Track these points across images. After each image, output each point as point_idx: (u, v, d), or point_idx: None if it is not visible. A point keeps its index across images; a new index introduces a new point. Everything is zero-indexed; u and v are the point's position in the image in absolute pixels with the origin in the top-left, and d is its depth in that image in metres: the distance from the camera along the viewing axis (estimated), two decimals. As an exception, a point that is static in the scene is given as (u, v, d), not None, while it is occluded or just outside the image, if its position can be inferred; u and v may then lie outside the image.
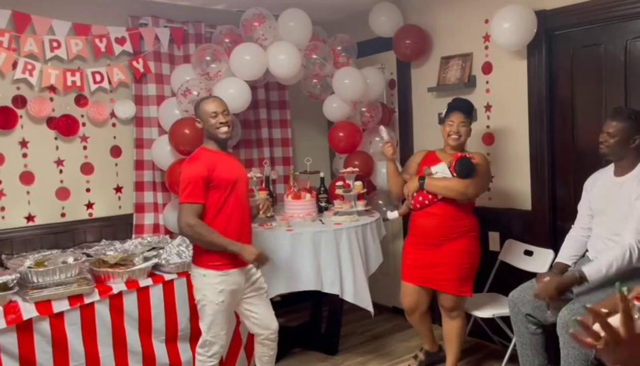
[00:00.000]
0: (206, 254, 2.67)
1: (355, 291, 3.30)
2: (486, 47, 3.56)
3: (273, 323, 2.89)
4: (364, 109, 3.95)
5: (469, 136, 3.10)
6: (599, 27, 3.08)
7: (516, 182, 3.49)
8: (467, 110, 3.05)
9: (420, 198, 3.04)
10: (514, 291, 2.88)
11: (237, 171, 2.77)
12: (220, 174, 2.65)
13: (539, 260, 3.22)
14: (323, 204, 3.79)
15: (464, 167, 2.90)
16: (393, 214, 3.31)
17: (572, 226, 2.91)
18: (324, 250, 3.25)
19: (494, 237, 3.61)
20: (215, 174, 2.63)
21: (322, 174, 3.88)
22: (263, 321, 2.87)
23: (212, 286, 2.67)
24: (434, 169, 3.03)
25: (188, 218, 2.58)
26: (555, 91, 3.31)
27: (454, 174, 2.95)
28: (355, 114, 3.97)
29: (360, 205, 3.63)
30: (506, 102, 3.50)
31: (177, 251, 3.19)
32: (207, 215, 2.65)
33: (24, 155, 3.39)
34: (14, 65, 3.26)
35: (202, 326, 2.73)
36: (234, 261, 2.69)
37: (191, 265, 2.78)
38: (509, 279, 3.46)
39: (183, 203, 2.61)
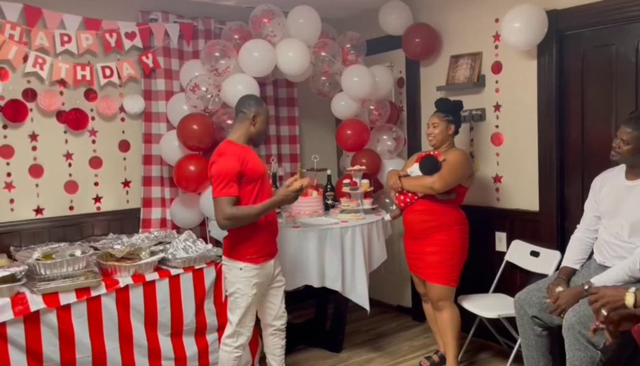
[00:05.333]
0: (243, 247, 2.69)
1: (354, 288, 3.32)
2: (496, 47, 3.55)
3: (285, 314, 2.97)
4: (372, 107, 3.94)
5: (450, 133, 3.19)
6: (610, 27, 3.05)
7: (524, 182, 3.47)
8: (443, 109, 3.21)
9: (402, 197, 3.22)
10: (520, 293, 2.87)
11: (262, 163, 2.83)
12: (252, 167, 2.68)
13: (546, 261, 3.21)
14: (330, 201, 3.79)
15: (424, 166, 3.14)
16: (387, 217, 3.46)
17: (578, 226, 2.89)
18: (329, 247, 3.26)
19: (500, 237, 3.60)
20: (247, 168, 2.65)
21: (329, 172, 3.88)
22: (278, 312, 2.93)
23: (247, 279, 2.70)
24: (409, 170, 3.26)
25: (225, 210, 2.56)
26: (565, 91, 3.29)
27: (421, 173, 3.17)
28: (363, 112, 3.96)
29: (367, 203, 3.63)
30: (515, 102, 3.48)
31: (184, 246, 3.21)
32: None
33: (34, 148, 3.41)
34: (25, 58, 3.28)
35: (233, 317, 2.76)
36: (269, 253, 2.78)
37: (224, 258, 2.80)
38: (515, 279, 3.47)
39: (218, 197, 2.59)
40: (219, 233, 3.51)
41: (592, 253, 2.80)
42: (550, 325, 2.77)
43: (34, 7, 3.29)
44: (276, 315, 2.93)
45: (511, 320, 3.07)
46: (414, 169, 3.21)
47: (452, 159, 3.10)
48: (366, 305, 3.32)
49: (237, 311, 2.74)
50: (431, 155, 3.16)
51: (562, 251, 2.98)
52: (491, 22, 3.54)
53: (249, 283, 2.71)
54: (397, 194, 3.26)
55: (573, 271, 2.79)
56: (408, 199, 3.20)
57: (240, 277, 2.71)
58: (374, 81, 3.80)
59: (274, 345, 2.97)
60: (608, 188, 2.71)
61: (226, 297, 3.22)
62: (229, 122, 3.59)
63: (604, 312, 2.15)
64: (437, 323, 3.28)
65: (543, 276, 3.07)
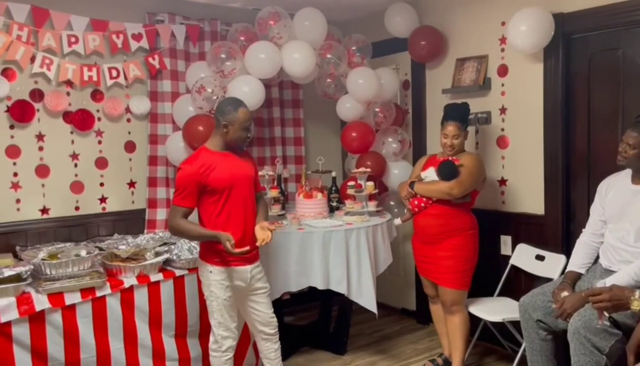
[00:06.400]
0: (212, 250, 2.69)
1: (360, 291, 3.31)
2: (502, 50, 3.54)
3: (273, 320, 2.91)
4: (377, 110, 3.94)
5: (466, 139, 3.24)
6: (618, 31, 3.04)
7: (529, 186, 3.46)
8: (461, 118, 3.18)
9: (416, 202, 3.21)
10: (524, 297, 2.86)
11: (237, 171, 2.71)
12: (216, 178, 2.62)
13: (551, 265, 3.19)
14: (334, 203, 3.79)
15: (444, 171, 3.10)
16: (397, 221, 3.45)
17: (583, 230, 2.87)
18: (333, 249, 3.26)
19: (505, 241, 3.59)
20: (210, 179, 2.61)
21: (334, 174, 3.88)
22: (265, 318, 2.88)
23: (218, 282, 2.69)
24: (423, 174, 3.25)
25: (173, 219, 2.65)
26: (572, 95, 3.28)
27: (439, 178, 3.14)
28: (368, 115, 3.96)
29: (372, 206, 3.63)
30: (521, 106, 3.47)
31: (188, 247, 3.21)
32: (205, 218, 2.69)
33: (40, 148, 3.43)
34: (32, 59, 3.30)
35: (213, 321, 2.75)
36: (241, 258, 2.71)
37: (198, 260, 2.81)
38: (520, 283, 3.46)
39: (173, 205, 2.66)
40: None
41: (597, 257, 2.79)
42: (555, 329, 2.76)
43: (41, 8, 3.31)
44: (263, 322, 2.87)
45: (516, 324, 3.05)
46: (429, 174, 3.19)
47: (469, 164, 3.10)
48: (374, 308, 3.32)
49: (215, 314, 2.73)
50: (450, 160, 3.14)
51: (568, 255, 2.97)
52: (497, 25, 3.54)
53: (221, 285, 2.69)
54: (409, 199, 3.25)
55: (578, 276, 2.78)
56: (423, 204, 3.19)
57: (211, 280, 2.70)
58: (379, 83, 3.80)
59: (267, 349, 2.93)
60: (614, 192, 2.70)
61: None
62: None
63: (606, 314, 2.15)
64: (448, 326, 3.28)
65: (548, 280, 3.06)
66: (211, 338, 2.79)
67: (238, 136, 2.68)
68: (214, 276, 2.69)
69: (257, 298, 2.85)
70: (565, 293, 2.64)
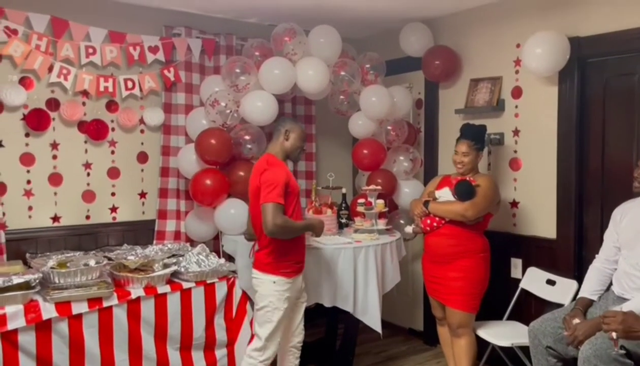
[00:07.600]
0: (279, 261, 2.74)
1: (366, 310, 3.29)
2: (517, 72, 3.53)
3: (302, 332, 2.97)
4: (389, 128, 3.93)
5: (480, 159, 3.21)
6: (634, 56, 3.02)
7: (542, 209, 3.43)
8: (474, 137, 3.17)
9: (429, 221, 3.19)
10: (534, 322, 2.81)
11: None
12: (294, 183, 2.81)
13: (562, 290, 3.15)
14: (344, 220, 3.77)
15: (460, 191, 3.07)
16: (408, 229, 3.38)
17: (597, 256, 2.84)
18: (341, 267, 3.24)
19: (516, 264, 3.55)
20: (291, 181, 2.77)
21: (344, 190, 3.86)
22: (297, 328, 2.95)
23: (279, 292, 2.74)
24: (437, 193, 3.22)
25: (277, 218, 2.62)
26: (586, 119, 3.25)
27: (455, 197, 3.11)
28: (380, 132, 3.96)
29: (381, 224, 3.60)
30: (535, 128, 3.45)
31: (197, 259, 3.21)
32: None
33: (54, 157, 3.46)
34: (50, 69, 3.34)
35: (262, 331, 2.77)
36: (300, 268, 2.83)
37: (254, 271, 2.82)
38: (530, 308, 3.41)
39: (269, 203, 2.63)
40: (232, 248, 3.51)
41: (610, 284, 2.74)
42: (565, 357, 2.71)
43: (61, 19, 3.36)
44: (296, 332, 2.93)
45: (525, 350, 3.00)
46: (444, 194, 3.17)
47: (484, 186, 3.07)
48: (378, 327, 3.28)
49: (268, 325, 2.75)
50: (467, 180, 3.11)
51: (579, 281, 2.93)
52: (512, 47, 3.53)
53: (282, 297, 2.74)
54: (422, 218, 3.22)
55: (590, 302, 2.74)
56: (435, 223, 3.16)
57: (273, 291, 2.74)
58: (392, 101, 3.80)
59: (288, 363, 2.97)
60: (628, 219, 2.67)
61: (237, 313, 3.23)
62: (247, 137, 3.61)
63: (614, 335, 2.12)
64: (454, 349, 3.23)
65: (559, 305, 3.02)
66: (254, 345, 2.81)
67: (297, 144, 2.90)
68: (276, 287, 2.74)
69: (298, 307, 2.94)
70: (576, 320, 2.60)
